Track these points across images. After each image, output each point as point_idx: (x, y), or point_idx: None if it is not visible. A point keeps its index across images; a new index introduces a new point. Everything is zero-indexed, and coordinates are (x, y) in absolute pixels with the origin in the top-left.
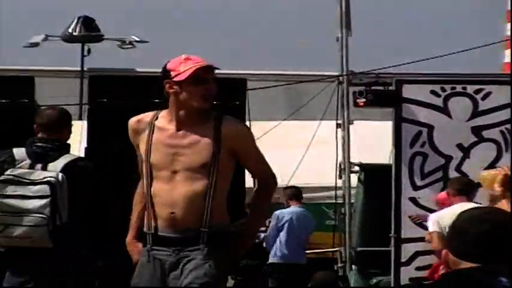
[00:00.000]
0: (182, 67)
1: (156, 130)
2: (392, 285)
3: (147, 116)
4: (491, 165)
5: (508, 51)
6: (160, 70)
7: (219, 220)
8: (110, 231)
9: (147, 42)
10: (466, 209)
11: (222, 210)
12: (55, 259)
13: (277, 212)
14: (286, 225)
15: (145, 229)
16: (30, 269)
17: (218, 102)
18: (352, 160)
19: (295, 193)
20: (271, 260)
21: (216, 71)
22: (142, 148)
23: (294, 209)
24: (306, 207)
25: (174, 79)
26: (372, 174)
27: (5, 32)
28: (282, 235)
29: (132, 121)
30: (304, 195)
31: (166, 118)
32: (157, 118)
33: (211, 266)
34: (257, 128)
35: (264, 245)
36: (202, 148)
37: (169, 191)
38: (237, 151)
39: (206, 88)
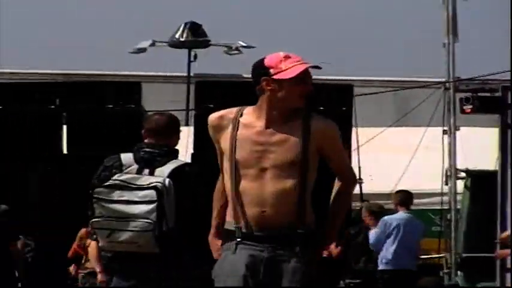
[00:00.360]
0: (283, 65)
1: (241, 127)
2: None
3: (230, 113)
4: None
5: None
6: None
7: (309, 220)
8: (205, 236)
9: (253, 47)
10: None
11: (310, 209)
12: (161, 264)
13: (385, 218)
14: (394, 232)
15: (230, 226)
16: (137, 274)
17: (324, 108)
18: (458, 166)
19: (404, 199)
20: (380, 267)
21: (324, 77)
22: (225, 145)
23: (402, 215)
24: (412, 213)
25: (275, 77)
26: (478, 180)
27: (112, 38)
28: (390, 242)
29: (213, 117)
30: None
31: (253, 115)
32: (241, 115)
33: (306, 271)
34: (364, 133)
35: (372, 248)
36: (292, 146)
37: (258, 189)
38: (324, 149)
39: (306, 88)
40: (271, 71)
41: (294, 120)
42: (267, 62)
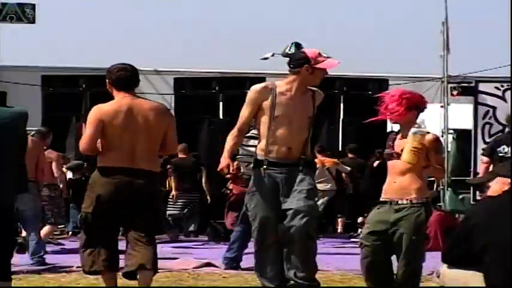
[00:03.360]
0: (320, 59)
1: (279, 94)
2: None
3: (269, 85)
4: None
5: None
6: None
7: (308, 154)
8: None
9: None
10: None
11: (309, 147)
12: None
13: None
14: None
15: (261, 157)
16: None
17: (370, 93)
18: (449, 127)
19: None
20: None
21: (368, 74)
22: (266, 106)
23: None
24: None
25: (314, 66)
26: (460, 135)
27: (249, 50)
28: None
29: (259, 86)
30: None
31: (285, 86)
32: (276, 87)
33: (309, 178)
34: None
35: None
36: (309, 107)
37: (288, 135)
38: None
39: (324, 74)
40: (312, 61)
41: (308, 91)
42: (309, 54)
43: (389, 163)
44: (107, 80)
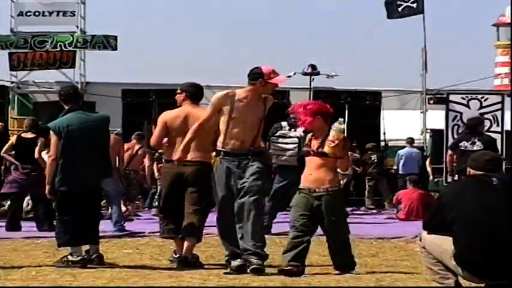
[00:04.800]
0: (272, 75)
1: (236, 100)
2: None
3: (230, 93)
4: (487, 130)
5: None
6: None
7: (258, 145)
8: None
9: (337, 75)
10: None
11: (259, 141)
12: (299, 170)
13: (399, 151)
14: (403, 157)
15: (219, 148)
16: (288, 174)
17: (368, 102)
18: (427, 127)
19: (410, 141)
20: (400, 171)
21: (364, 88)
22: (226, 110)
23: (407, 149)
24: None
25: (267, 80)
26: (436, 133)
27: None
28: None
29: (221, 94)
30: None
31: (243, 94)
32: (235, 94)
33: (257, 163)
34: (384, 114)
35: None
36: (261, 110)
37: (242, 132)
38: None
39: (274, 88)
40: (265, 76)
41: (260, 99)
42: (264, 71)
43: (307, 158)
44: (185, 94)
